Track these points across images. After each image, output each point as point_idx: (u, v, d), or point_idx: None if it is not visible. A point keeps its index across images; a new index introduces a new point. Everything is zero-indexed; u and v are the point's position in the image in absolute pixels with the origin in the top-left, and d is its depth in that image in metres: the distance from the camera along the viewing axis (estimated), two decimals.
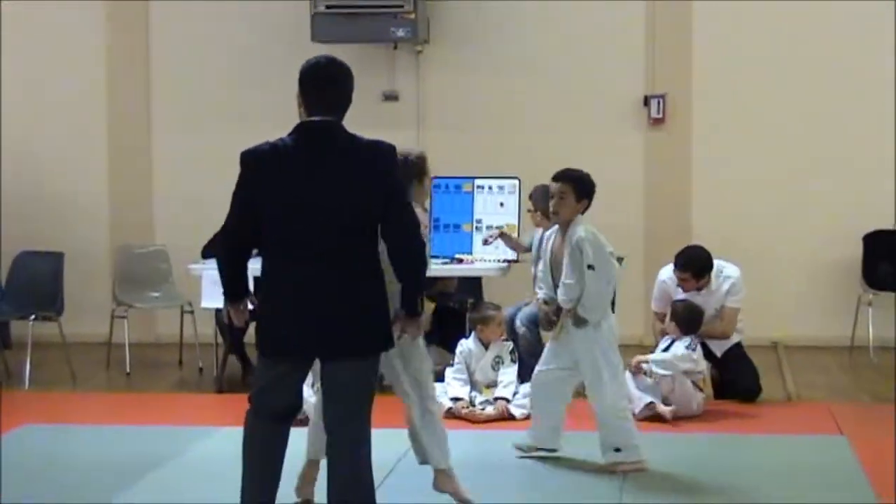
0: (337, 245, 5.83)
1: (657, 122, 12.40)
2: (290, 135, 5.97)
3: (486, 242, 10.43)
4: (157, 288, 11.90)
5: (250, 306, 6.24)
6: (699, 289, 9.82)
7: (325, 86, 6.03)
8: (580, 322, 7.66)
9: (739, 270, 9.90)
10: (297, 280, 5.86)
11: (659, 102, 12.34)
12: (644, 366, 9.20)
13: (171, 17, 12.81)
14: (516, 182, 10.72)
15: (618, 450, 7.85)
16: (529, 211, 10.36)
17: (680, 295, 9.85)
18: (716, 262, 9.87)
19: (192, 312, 11.40)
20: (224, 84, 12.74)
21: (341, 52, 12.21)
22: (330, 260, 5.82)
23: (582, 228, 7.68)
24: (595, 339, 7.72)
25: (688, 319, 9.49)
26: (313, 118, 5.97)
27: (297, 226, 5.84)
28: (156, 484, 7.61)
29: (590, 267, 7.61)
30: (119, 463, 8.05)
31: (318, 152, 5.87)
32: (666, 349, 9.43)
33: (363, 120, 12.30)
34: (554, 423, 8.08)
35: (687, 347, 9.32)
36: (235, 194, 5.95)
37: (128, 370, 11.16)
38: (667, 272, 10.02)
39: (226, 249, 6.11)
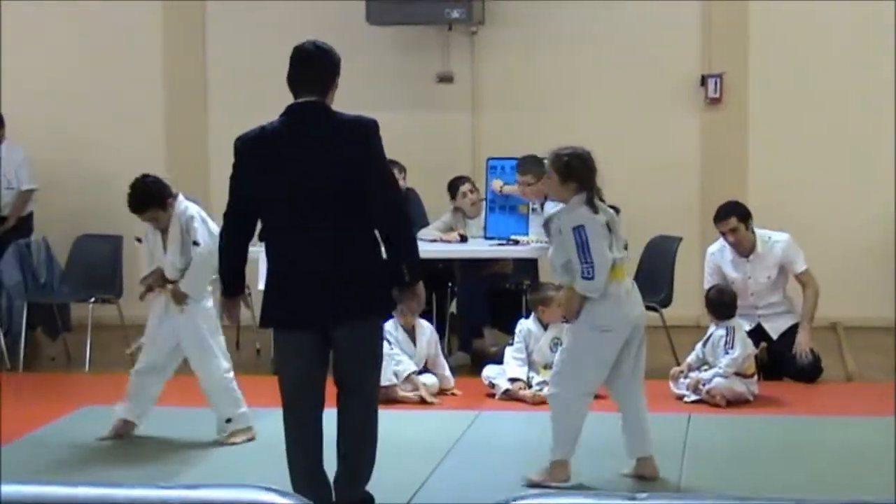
0: (328, 219, 6.15)
1: (714, 101, 12.33)
2: (280, 116, 6.31)
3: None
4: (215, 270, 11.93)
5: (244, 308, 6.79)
6: (746, 252, 9.80)
7: (305, 67, 6.35)
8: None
9: (789, 235, 9.90)
10: (294, 255, 6.22)
11: (716, 82, 12.26)
12: (701, 387, 9.12)
13: (227, 1, 12.84)
14: None
15: (229, 420, 8.05)
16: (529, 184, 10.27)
17: (729, 266, 9.82)
18: (761, 231, 9.87)
19: (249, 294, 11.41)
20: (280, 68, 12.71)
21: (396, 33, 12.43)
22: (323, 233, 6.15)
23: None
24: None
25: (720, 304, 9.40)
26: (298, 100, 6.29)
27: (289, 204, 6.18)
28: (215, 465, 7.67)
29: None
30: (178, 444, 8.11)
31: (302, 133, 6.21)
32: (707, 339, 9.33)
33: (418, 102, 12.64)
34: None
35: (725, 345, 9.19)
36: (231, 181, 6.33)
37: None
38: (714, 246, 10.03)
39: (225, 237, 6.49)
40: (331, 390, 6.43)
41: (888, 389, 9.30)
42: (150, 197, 8.08)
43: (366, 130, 6.25)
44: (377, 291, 6.34)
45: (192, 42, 12.95)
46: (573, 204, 7.12)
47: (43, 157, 12.44)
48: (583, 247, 7.00)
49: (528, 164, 10.18)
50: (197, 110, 12.98)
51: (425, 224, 10.90)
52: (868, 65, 12.11)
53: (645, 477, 7.28)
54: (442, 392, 9.42)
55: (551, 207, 9.92)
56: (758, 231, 9.92)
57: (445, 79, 12.66)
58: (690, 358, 9.34)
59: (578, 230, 7.01)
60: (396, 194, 6.54)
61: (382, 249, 6.38)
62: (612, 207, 7.59)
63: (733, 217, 9.81)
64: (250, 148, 6.29)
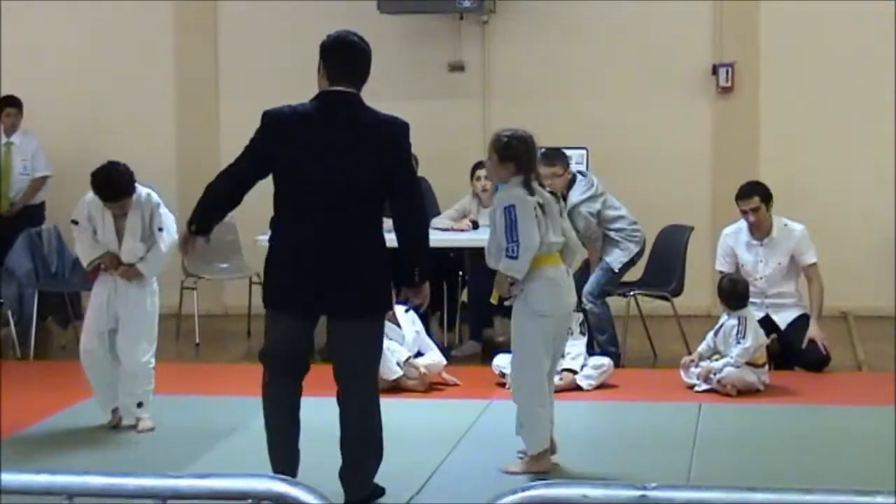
0: (342, 210, 6.14)
1: (725, 90, 12.31)
2: (311, 101, 6.30)
3: None
4: (226, 259, 11.96)
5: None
6: (762, 235, 9.81)
7: (347, 56, 6.32)
8: None
9: (804, 227, 9.91)
10: (301, 238, 6.20)
11: (727, 71, 12.25)
12: (712, 377, 9.11)
13: None
14: (584, 152, 10.68)
15: (140, 405, 8.12)
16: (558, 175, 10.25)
17: (742, 248, 9.83)
18: (778, 217, 9.89)
19: (260, 283, 11.42)
20: (290, 54, 12.76)
21: (407, 23, 12.42)
22: (334, 223, 6.14)
23: None
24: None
25: (733, 293, 9.35)
26: (335, 88, 6.26)
27: (306, 188, 6.17)
28: (225, 453, 7.67)
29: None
30: (189, 432, 8.11)
31: (335, 121, 6.19)
32: (719, 329, 9.32)
33: (429, 91, 12.63)
34: None
35: (737, 335, 9.18)
36: (249, 146, 6.29)
37: (197, 341, 11.25)
38: (729, 229, 10.03)
39: (221, 180, 6.38)
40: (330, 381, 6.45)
41: None
42: (127, 184, 8.08)
43: (397, 130, 6.26)
44: (379, 289, 6.36)
45: (204, 31, 12.95)
46: (510, 185, 7.08)
47: (56, 146, 12.49)
48: (510, 226, 6.94)
49: (556, 156, 10.19)
50: (208, 97, 12.99)
51: (437, 213, 10.90)
52: (881, 53, 12.08)
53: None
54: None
55: (571, 200, 9.97)
56: (775, 217, 9.92)
57: (457, 68, 12.66)
58: (701, 347, 9.33)
59: (509, 210, 6.96)
60: (419, 198, 6.50)
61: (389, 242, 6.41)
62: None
63: (756, 196, 9.82)
64: (279, 124, 6.26)
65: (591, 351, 9.59)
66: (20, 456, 7.59)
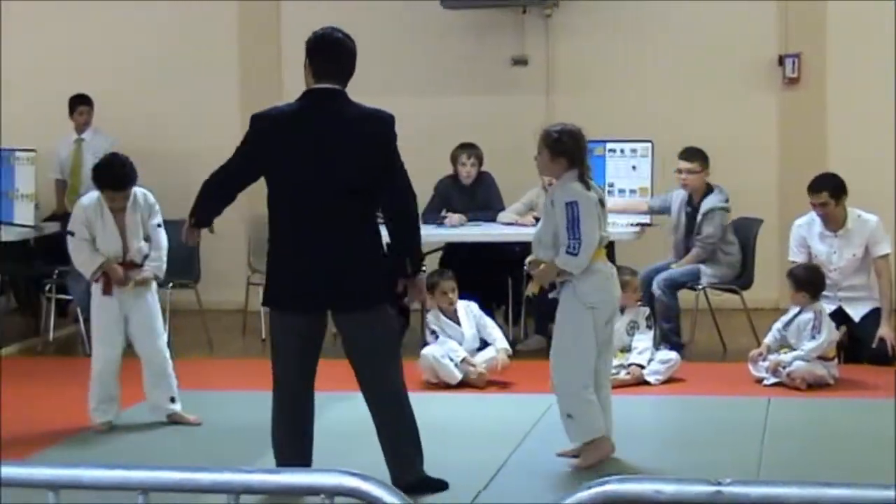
0: (333, 206, 6.24)
1: (792, 81, 12.22)
2: (298, 100, 6.41)
3: None
4: None
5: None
6: (836, 227, 9.73)
7: (331, 54, 6.40)
8: None
9: (878, 218, 9.82)
10: (296, 238, 6.32)
11: (794, 62, 12.15)
12: (781, 370, 9.04)
13: None
14: (649, 145, 10.63)
15: (173, 399, 8.23)
16: (694, 173, 10.33)
17: (815, 239, 9.76)
18: (852, 209, 9.80)
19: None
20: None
21: (470, 17, 12.41)
22: (326, 220, 6.24)
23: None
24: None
25: (808, 281, 9.27)
26: (320, 85, 6.35)
27: (296, 187, 6.28)
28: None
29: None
30: (256, 428, 8.08)
31: (321, 118, 6.29)
32: (790, 322, 9.24)
33: (492, 85, 12.61)
34: None
35: (812, 329, 9.10)
36: (239, 148, 6.47)
37: (263, 337, 11.28)
38: (802, 219, 9.97)
39: (214, 179, 6.60)
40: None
41: None
42: (132, 173, 8.17)
43: (384, 125, 6.37)
44: (376, 281, 6.41)
45: (267, 30, 12.99)
46: (565, 179, 7.06)
47: (124, 144, 12.54)
48: (573, 222, 6.94)
49: (696, 153, 10.26)
50: (272, 93, 12.99)
51: (501, 208, 10.89)
52: None
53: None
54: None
55: (711, 203, 10.01)
56: (849, 208, 9.83)
57: (520, 62, 12.63)
58: (768, 339, 9.26)
59: (572, 206, 6.96)
60: (408, 189, 6.57)
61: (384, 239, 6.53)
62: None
63: (825, 192, 9.74)
64: (265, 127, 6.43)
65: (657, 345, 9.55)
66: (90, 452, 7.66)
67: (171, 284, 10.97)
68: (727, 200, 10.34)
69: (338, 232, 6.27)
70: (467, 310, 9.47)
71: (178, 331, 11.13)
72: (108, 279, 8.16)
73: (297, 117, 6.37)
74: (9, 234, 11.56)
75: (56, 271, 11.24)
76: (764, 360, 9.17)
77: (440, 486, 6.61)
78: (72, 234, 8.25)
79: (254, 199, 12.72)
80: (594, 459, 7.14)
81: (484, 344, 9.40)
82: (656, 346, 9.48)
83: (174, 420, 8.24)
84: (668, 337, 9.96)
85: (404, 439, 6.54)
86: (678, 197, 10.47)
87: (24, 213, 11.56)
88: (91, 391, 8.23)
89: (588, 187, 7.08)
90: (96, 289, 8.24)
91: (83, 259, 8.22)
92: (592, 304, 7.07)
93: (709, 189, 10.36)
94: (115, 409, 8.27)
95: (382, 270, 6.44)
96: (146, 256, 8.27)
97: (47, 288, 11.39)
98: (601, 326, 7.18)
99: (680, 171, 10.36)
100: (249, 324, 11.60)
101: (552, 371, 7.25)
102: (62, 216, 12.24)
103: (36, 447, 7.74)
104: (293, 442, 6.55)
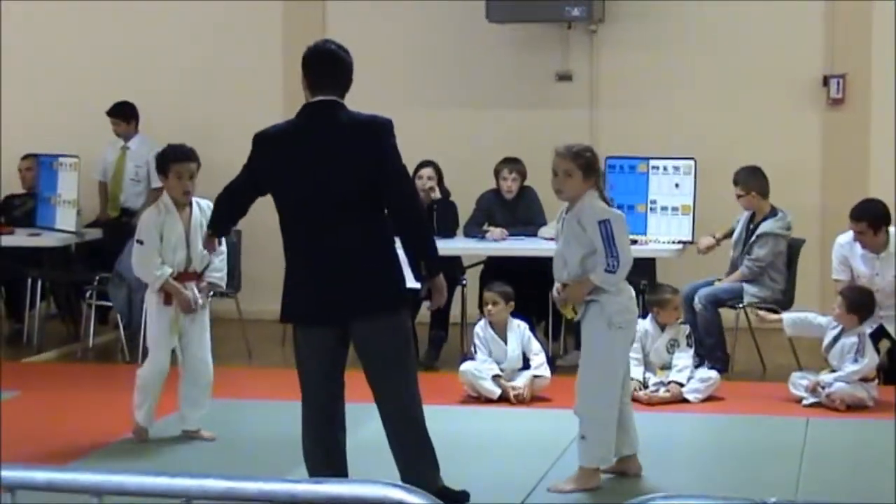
0: (338, 217, 6.25)
1: (836, 102, 12.16)
2: (297, 115, 6.44)
3: None
4: None
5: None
6: (877, 251, 9.66)
7: (327, 67, 6.45)
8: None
9: None
10: (306, 251, 6.35)
11: (838, 82, 12.09)
12: (821, 390, 9.01)
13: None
14: (692, 163, 10.60)
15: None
16: (740, 196, 10.33)
17: (858, 260, 9.70)
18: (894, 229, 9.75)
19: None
20: (399, 64, 12.81)
21: (515, 31, 12.42)
22: (333, 231, 6.26)
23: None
24: None
25: (858, 304, 9.19)
26: (317, 98, 6.39)
27: (300, 201, 6.32)
28: None
29: None
30: (295, 438, 8.11)
31: (317, 130, 6.32)
32: (834, 341, 9.19)
33: (536, 100, 12.62)
34: None
35: (856, 352, 9.04)
36: (245, 165, 6.59)
37: None
38: (844, 238, 9.90)
39: (224, 195, 6.81)
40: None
41: None
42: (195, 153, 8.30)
43: (379, 129, 6.35)
44: (389, 287, 6.41)
45: (312, 38, 12.99)
46: (590, 198, 7.05)
47: None
48: (609, 240, 6.93)
49: (743, 175, 10.32)
50: None
51: (543, 223, 10.87)
52: None
53: (628, 474, 7.25)
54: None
55: (767, 227, 10.00)
56: (892, 229, 9.77)
57: (564, 77, 12.62)
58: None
59: (605, 224, 6.95)
60: (412, 191, 6.65)
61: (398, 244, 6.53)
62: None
63: (864, 222, 9.66)
64: (265, 146, 6.46)
65: (698, 363, 9.53)
66: (131, 460, 7.69)
67: (211, 293, 11.01)
68: (788, 228, 10.28)
69: (343, 242, 6.27)
70: (518, 329, 9.46)
71: (218, 340, 11.11)
72: (167, 293, 8.15)
73: (294, 132, 6.42)
74: (50, 240, 11.64)
75: (97, 278, 11.29)
76: (804, 378, 9.13)
77: (462, 498, 6.60)
78: (140, 242, 8.18)
79: None
80: (576, 487, 7.07)
81: (528, 364, 9.40)
82: (696, 365, 9.45)
83: (190, 435, 8.24)
84: (713, 352, 9.93)
85: (413, 452, 6.52)
86: (744, 215, 10.49)
87: (66, 219, 11.61)
88: (139, 397, 8.21)
89: (609, 205, 7.12)
90: (152, 296, 8.22)
91: (147, 271, 8.18)
92: (619, 324, 7.04)
93: (772, 212, 10.31)
94: (153, 418, 8.29)
95: (392, 278, 6.42)
96: (207, 265, 8.27)
97: (88, 294, 11.43)
98: (627, 346, 7.18)
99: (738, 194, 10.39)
100: (289, 333, 11.58)
101: (577, 392, 7.18)
102: (105, 223, 12.34)
103: (74, 454, 7.78)
104: (322, 453, 6.56)
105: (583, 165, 7.07)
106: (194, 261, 8.21)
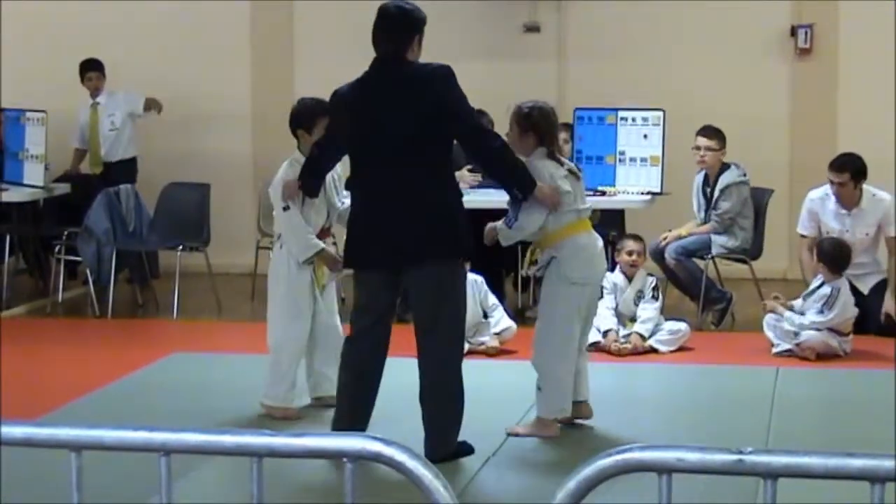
0: (404, 165, 6.51)
1: (804, 52, 12.18)
2: (366, 71, 6.73)
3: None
4: None
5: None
6: (850, 206, 9.72)
7: (384, 25, 6.73)
8: None
9: (892, 197, 9.80)
10: (371, 196, 6.63)
11: (806, 32, 12.11)
12: (786, 321, 9.06)
13: None
14: (661, 114, 10.59)
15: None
16: (713, 150, 10.36)
17: (829, 215, 9.75)
18: (867, 187, 9.78)
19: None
20: (366, 21, 12.71)
21: None
22: (398, 177, 6.52)
23: None
24: None
25: (835, 257, 9.25)
26: (378, 55, 6.70)
27: (370, 151, 6.63)
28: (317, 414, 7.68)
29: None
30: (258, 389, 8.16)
31: (379, 84, 6.64)
32: (812, 292, 9.24)
33: (504, 52, 12.60)
34: None
35: (824, 304, 9.08)
36: (328, 127, 7.09)
37: None
38: (815, 193, 9.94)
39: (313, 154, 7.21)
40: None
41: None
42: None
43: (439, 76, 6.58)
44: (451, 235, 6.60)
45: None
46: (537, 156, 7.06)
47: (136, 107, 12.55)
48: (518, 204, 6.97)
49: (715, 131, 10.32)
50: (284, 60, 13.02)
51: None
52: None
53: (581, 417, 7.30)
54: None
55: (727, 179, 10.04)
56: (864, 187, 9.80)
57: (532, 29, 12.60)
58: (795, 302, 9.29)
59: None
60: (485, 128, 7.10)
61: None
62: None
63: (847, 172, 9.71)
64: (339, 102, 6.80)
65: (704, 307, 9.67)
66: (105, 413, 7.68)
67: (180, 247, 11.01)
68: (745, 175, 10.33)
69: (407, 187, 6.51)
70: (473, 285, 9.44)
71: (187, 294, 11.16)
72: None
73: (361, 86, 6.69)
74: (18, 195, 11.58)
75: (66, 232, 11.26)
76: (778, 318, 9.15)
77: (465, 449, 6.72)
78: (286, 207, 7.50)
79: (260, 163, 12.84)
80: (532, 433, 7.14)
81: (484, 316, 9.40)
82: (666, 317, 9.50)
83: (325, 402, 7.60)
84: (710, 292, 10.08)
85: (441, 409, 6.64)
86: (695, 183, 10.49)
87: (33, 174, 11.55)
88: (276, 373, 7.62)
89: (560, 163, 7.10)
90: (287, 261, 7.63)
91: (305, 242, 7.54)
92: (575, 280, 7.06)
93: (724, 167, 10.35)
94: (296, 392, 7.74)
95: (455, 224, 6.61)
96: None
97: (56, 249, 11.41)
98: (585, 303, 7.17)
99: (698, 147, 10.36)
100: (258, 287, 11.58)
101: (534, 346, 7.21)
102: (74, 177, 12.29)
103: (45, 409, 7.76)
104: (357, 393, 6.72)
105: (520, 121, 7.12)
106: (332, 216, 7.76)
